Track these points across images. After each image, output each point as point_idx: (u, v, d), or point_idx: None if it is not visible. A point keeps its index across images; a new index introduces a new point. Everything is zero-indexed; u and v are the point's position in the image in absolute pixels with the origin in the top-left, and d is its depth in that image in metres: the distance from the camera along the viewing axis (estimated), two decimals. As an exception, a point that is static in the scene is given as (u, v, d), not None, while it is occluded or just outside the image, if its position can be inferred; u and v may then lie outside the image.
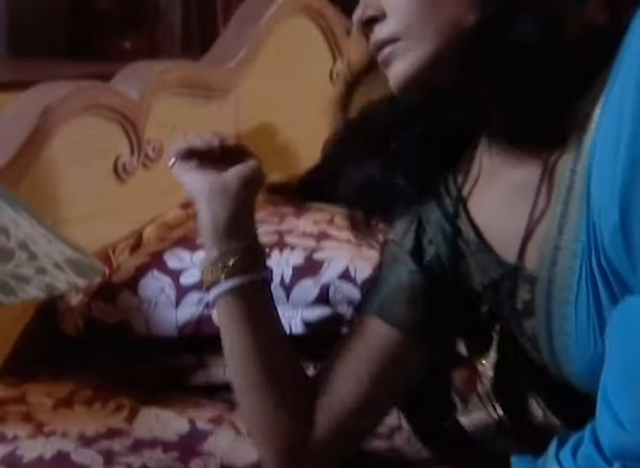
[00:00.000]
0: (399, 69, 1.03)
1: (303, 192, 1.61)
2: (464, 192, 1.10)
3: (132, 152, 1.48)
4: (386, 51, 1.04)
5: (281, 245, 1.37)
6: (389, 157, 1.25)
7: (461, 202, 1.10)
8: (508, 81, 0.98)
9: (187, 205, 1.56)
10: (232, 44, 1.64)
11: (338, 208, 1.53)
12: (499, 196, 1.08)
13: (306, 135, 1.77)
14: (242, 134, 1.67)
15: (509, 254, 1.08)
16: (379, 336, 1.11)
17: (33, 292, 0.82)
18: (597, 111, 0.97)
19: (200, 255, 1.37)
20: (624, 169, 0.91)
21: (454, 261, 1.11)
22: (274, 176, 1.68)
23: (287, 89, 1.74)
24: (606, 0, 1.03)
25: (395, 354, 1.11)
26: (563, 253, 1.00)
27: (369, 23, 1.04)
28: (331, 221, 1.47)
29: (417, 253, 1.12)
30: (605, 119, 0.95)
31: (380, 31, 1.04)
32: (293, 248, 1.36)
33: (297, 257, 1.34)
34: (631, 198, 0.90)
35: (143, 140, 1.48)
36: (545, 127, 1.02)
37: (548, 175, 1.03)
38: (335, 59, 1.83)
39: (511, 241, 1.08)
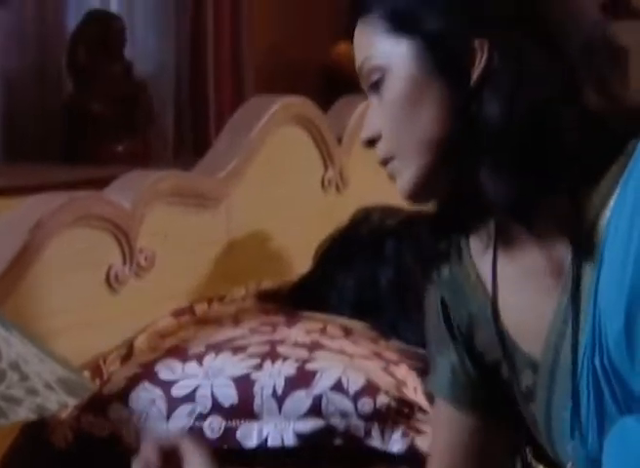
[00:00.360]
0: (401, 185, 1.07)
1: (296, 299, 1.61)
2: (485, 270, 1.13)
3: (124, 262, 1.48)
4: (388, 168, 1.08)
5: (273, 355, 1.36)
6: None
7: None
8: (489, 183, 1.01)
9: (179, 313, 1.56)
10: (225, 153, 1.66)
11: (330, 316, 1.54)
12: (510, 280, 1.10)
13: (298, 241, 1.78)
14: (234, 241, 1.68)
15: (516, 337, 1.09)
16: (458, 423, 1.14)
17: (24, 413, 0.82)
18: (608, 206, 0.98)
19: (191, 366, 1.37)
20: (632, 277, 0.92)
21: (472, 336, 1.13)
22: (266, 284, 1.69)
23: (279, 197, 1.75)
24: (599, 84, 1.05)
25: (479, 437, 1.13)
26: (568, 341, 1.01)
27: (371, 143, 1.08)
28: (323, 331, 1.47)
29: (452, 333, 1.15)
30: (615, 222, 0.96)
31: (379, 150, 1.08)
32: (285, 358, 1.35)
33: (289, 368, 1.34)
34: (637, 307, 0.91)
35: (136, 250, 1.49)
36: (546, 218, 1.04)
37: (557, 264, 1.04)
38: (326, 167, 1.85)
39: (520, 325, 1.09)
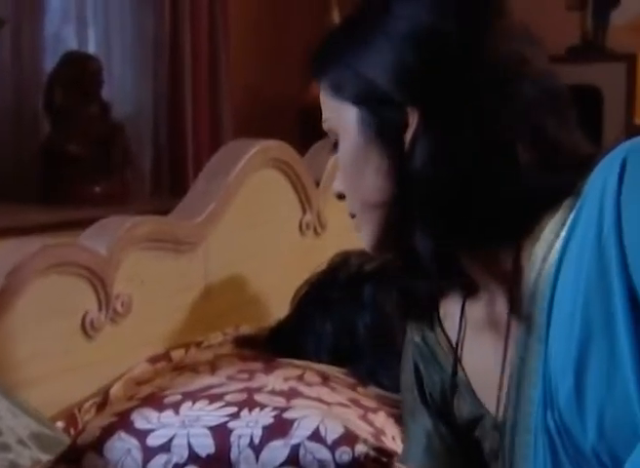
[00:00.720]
0: (363, 241, 1.09)
1: (273, 345, 1.59)
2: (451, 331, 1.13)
3: (100, 308, 1.46)
4: (354, 223, 1.10)
5: (250, 404, 1.34)
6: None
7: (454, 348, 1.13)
8: (420, 241, 1.02)
9: (155, 359, 1.54)
10: (202, 197, 1.65)
11: (308, 362, 1.53)
12: (471, 340, 1.10)
13: (276, 286, 1.77)
14: (211, 286, 1.66)
15: (487, 398, 1.09)
16: None
17: (-6, 469, 0.80)
18: (552, 254, 0.98)
19: (167, 415, 1.35)
20: (580, 336, 0.92)
21: (446, 401, 1.14)
22: (244, 329, 1.68)
23: (257, 240, 1.74)
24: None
25: None
26: (524, 395, 1.01)
27: (340, 198, 1.11)
28: (301, 377, 1.45)
29: (423, 397, 1.15)
30: (562, 281, 0.95)
31: (346, 206, 1.11)
32: (262, 407, 1.33)
33: (266, 417, 1.32)
34: (585, 368, 0.91)
35: (112, 296, 1.47)
36: (491, 272, 1.04)
37: (512, 315, 1.04)
38: (304, 211, 1.84)
39: (484, 385, 1.09)
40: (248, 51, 4.31)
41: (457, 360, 1.12)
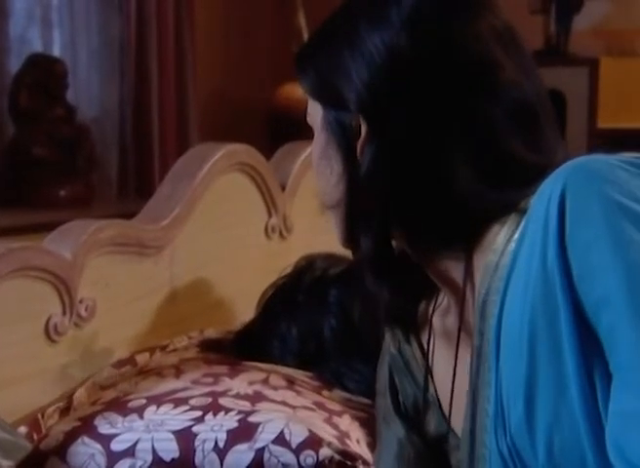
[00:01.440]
0: (336, 234, 1.10)
1: (238, 348, 1.59)
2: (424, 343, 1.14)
3: (64, 312, 1.45)
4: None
5: (215, 408, 1.34)
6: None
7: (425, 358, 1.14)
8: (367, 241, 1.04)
9: (120, 364, 1.53)
10: (167, 201, 1.65)
11: (273, 366, 1.53)
12: (439, 347, 1.11)
13: (242, 289, 1.77)
14: (177, 290, 1.66)
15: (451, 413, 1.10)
16: None
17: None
18: (500, 270, 0.99)
19: (132, 419, 1.34)
20: (527, 363, 0.92)
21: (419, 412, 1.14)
22: (209, 332, 1.67)
23: (222, 244, 1.74)
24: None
25: None
26: (479, 408, 1.01)
27: None
28: (266, 381, 1.45)
29: (397, 406, 1.16)
30: (510, 296, 0.96)
31: None
32: (227, 411, 1.33)
33: (231, 421, 1.32)
34: (534, 394, 0.91)
35: (76, 300, 1.46)
36: (443, 282, 1.05)
37: (463, 328, 1.05)
38: (270, 214, 1.84)
39: (456, 401, 1.09)
40: (215, 53, 4.30)
41: (428, 375, 1.12)
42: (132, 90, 3.76)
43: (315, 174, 1.10)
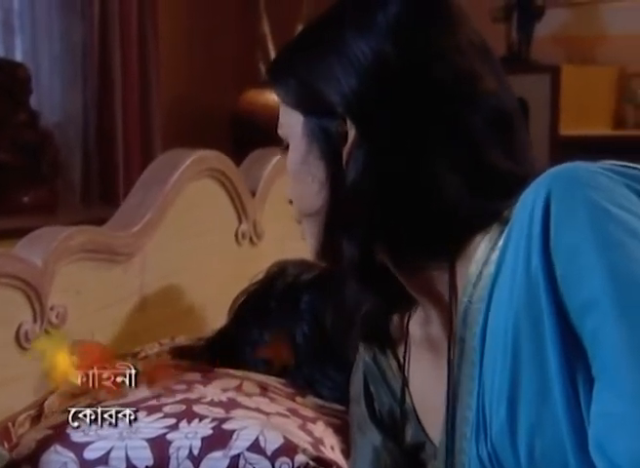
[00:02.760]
0: (309, 246, 1.09)
1: (211, 355, 1.58)
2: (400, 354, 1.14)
3: (34, 319, 1.44)
4: (300, 230, 1.11)
5: (189, 415, 1.33)
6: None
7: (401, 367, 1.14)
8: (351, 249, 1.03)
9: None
10: (138, 207, 1.64)
11: (246, 372, 1.52)
12: (416, 357, 1.11)
13: (213, 296, 1.77)
14: (147, 297, 1.65)
15: (429, 422, 1.10)
16: None
17: None
18: (484, 279, 0.99)
19: (105, 427, 1.33)
20: (510, 368, 0.93)
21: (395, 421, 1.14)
22: (180, 339, 1.66)
23: (193, 251, 1.74)
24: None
25: None
26: (459, 417, 1.02)
27: (292, 204, 1.12)
28: (239, 388, 1.44)
29: (373, 414, 1.16)
30: (495, 303, 0.97)
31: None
32: (201, 418, 1.33)
33: (205, 428, 1.31)
34: (517, 399, 0.92)
35: (47, 307, 1.45)
36: (426, 292, 1.05)
37: (448, 335, 1.05)
38: (240, 221, 1.84)
39: (427, 410, 1.10)
40: (178, 59, 4.29)
41: (405, 388, 1.13)
42: (95, 95, 3.75)
43: (293, 182, 1.09)
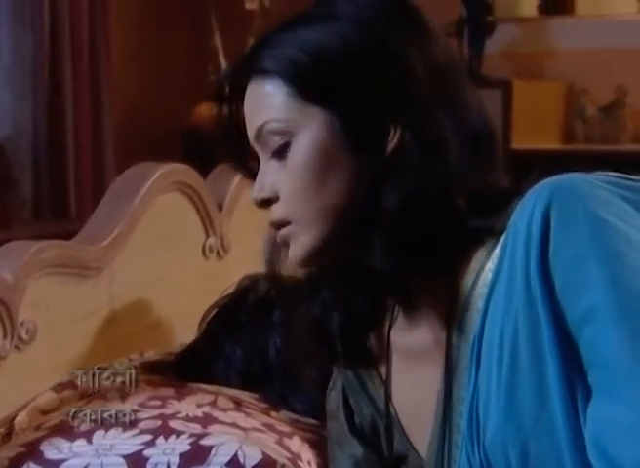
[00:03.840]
0: (294, 251, 1.07)
1: (181, 370, 1.56)
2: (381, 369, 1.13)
3: (4, 335, 1.41)
4: (282, 232, 1.08)
5: (166, 431, 1.32)
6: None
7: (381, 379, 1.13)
8: (379, 256, 1.02)
9: (60, 388, 1.50)
10: (107, 221, 1.62)
11: (219, 387, 1.51)
12: (403, 368, 1.11)
13: (180, 310, 1.75)
14: (116, 311, 1.63)
15: (415, 433, 1.09)
16: None
17: None
18: (480, 287, 1.00)
19: (80, 444, 1.31)
20: (507, 377, 0.93)
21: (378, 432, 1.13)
22: (149, 354, 1.65)
23: (161, 264, 1.72)
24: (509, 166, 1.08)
25: None
26: (450, 425, 1.02)
27: (264, 204, 1.08)
28: (214, 403, 1.43)
29: (353, 427, 1.15)
30: (492, 312, 0.97)
31: (274, 213, 1.08)
32: (178, 434, 1.31)
33: (183, 444, 1.29)
34: (514, 402, 0.92)
35: (17, 323, 1.43)
36: (424, 295, 1.05)
37: (442, 344, 1.05)
38: (207, 234, 1.83)
39: (412, 420, 1.09)
40: (130, 73, 4.27)
41: (388, 398, 1.12)
42: (45, 108, 3.70)
43: (300, 180, 1.04)
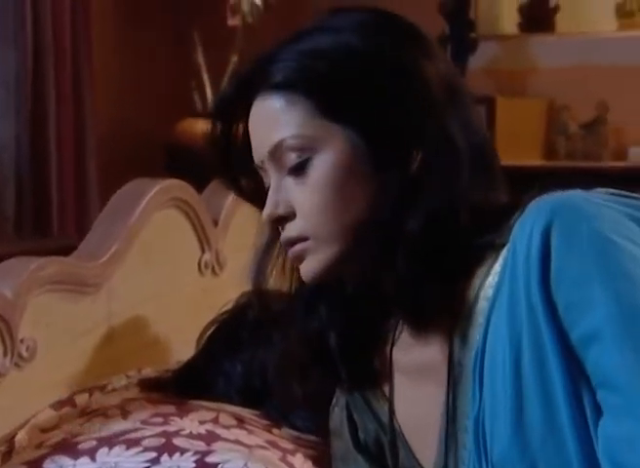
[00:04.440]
0: (309, 267, 1.07)
1: (181, 387, 1.56)
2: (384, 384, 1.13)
3: (5, 353, 1.41)
4: (297, 248, 1.07)
5: (170, 448, 1.31)
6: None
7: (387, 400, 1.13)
8: (399, 273, 1.02)
9: (59, 405, 1.49)
10: (105, 238, 1.61)
11: (220, 404, 1.50)
12: (407, 384, 1.11)
13: (176, 327, 1.75)
14: (114, 328, 1.62)
15: (420, 448, 1.09)
16: None
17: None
18: (481, 302, 1.00)
19: (84, 462, 1.30)
20: (513, 388, 0.93)
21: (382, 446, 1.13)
22: (146, 371, 1.64)
23: (158, 281, 1.72)
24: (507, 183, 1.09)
25: None
26: (456, 440, 1.02)
27: (279, 222, 1.07)
28: (216, 420, 1.42)
29: (358, 443, 1.15)
30: (494, 327, 0.97)
31: (290, 230, 1.07)
32: (183, 451, 1.31)
33: (188, 462, 1.29)
34: (522, 418, 0.93)
35: (17, 340, 1.42)
36: (437, 311, 1.05)
37: (446, 360, 1.06)
38: (203, 250, 1.83)
39: (416, 433, 1.09)
40: (112, 90, 4.26)
41: (392, 414, 1.12)
42: (28, 123, 3.69)
43: (324, 197, 1.04)
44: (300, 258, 1.07)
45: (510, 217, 1.02)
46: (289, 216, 1.07)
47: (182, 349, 1.68)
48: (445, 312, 1.05)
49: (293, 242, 1.07)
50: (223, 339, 1.58)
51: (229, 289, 1.69)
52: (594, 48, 4.10)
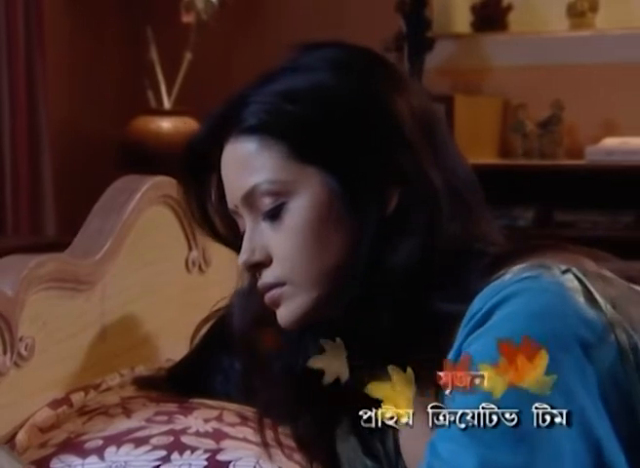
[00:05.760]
0: (286, 312, 1.06)
1: (177, 384, 1.54)
2: None
3: (4, 351, 1.38)
4: (274, 293, 1.07)
5: (179, 446, 1.30)
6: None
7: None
8: (384, 316, 1.02)
9: (56, 404, 1.46)
10: (97, 235, 1.59)
11: (221, 402, 1.49)
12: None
13: (165, 325, 1.73)
14: (107, 326, 1.60)
15: None
16: None
17: None
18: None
19: (92, 461, 1.29)
20: None
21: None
22: (139, 369, 1.62)
23: (148, 279, 1.70)
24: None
25: None
26: None
27: (255, 268, 1.07)
28: (220, 418, 1.41)
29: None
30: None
31: (267, 276, 1.07)
32: (193, 449, 1.29)
33: (199, 460, 1.28)
34: None
35: (16, 338, 1.39)
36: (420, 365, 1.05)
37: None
38: (190, 248, 1.81)
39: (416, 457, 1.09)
40: (64, 87, 4.22)
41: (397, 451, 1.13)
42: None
43: (301, 243, 1.02)
44: (276, 304, 1.07)
45: (490, 265, 1.02)
46: (265, 262, 1.07)
47: (172, 347, 1.67)
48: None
49: (269, 287, 1.06)
50: (221, 336, 1.56)
51: (215, 286, 1.68)
52: (547, 47, 4.15)
